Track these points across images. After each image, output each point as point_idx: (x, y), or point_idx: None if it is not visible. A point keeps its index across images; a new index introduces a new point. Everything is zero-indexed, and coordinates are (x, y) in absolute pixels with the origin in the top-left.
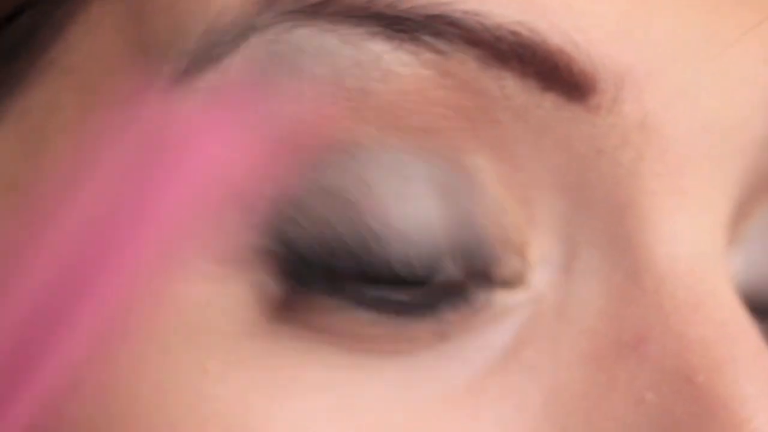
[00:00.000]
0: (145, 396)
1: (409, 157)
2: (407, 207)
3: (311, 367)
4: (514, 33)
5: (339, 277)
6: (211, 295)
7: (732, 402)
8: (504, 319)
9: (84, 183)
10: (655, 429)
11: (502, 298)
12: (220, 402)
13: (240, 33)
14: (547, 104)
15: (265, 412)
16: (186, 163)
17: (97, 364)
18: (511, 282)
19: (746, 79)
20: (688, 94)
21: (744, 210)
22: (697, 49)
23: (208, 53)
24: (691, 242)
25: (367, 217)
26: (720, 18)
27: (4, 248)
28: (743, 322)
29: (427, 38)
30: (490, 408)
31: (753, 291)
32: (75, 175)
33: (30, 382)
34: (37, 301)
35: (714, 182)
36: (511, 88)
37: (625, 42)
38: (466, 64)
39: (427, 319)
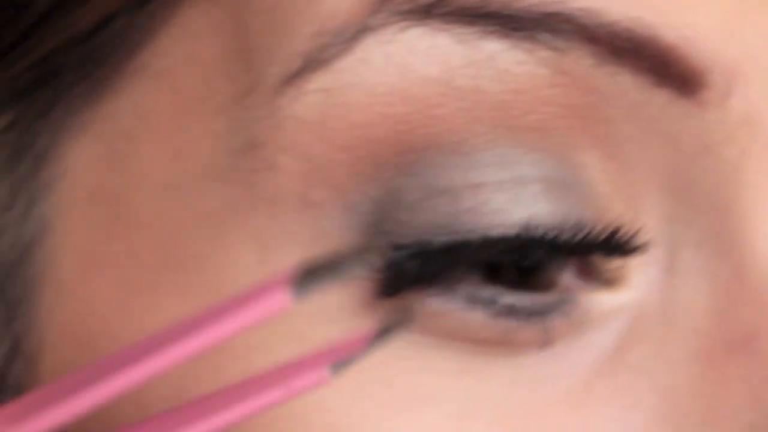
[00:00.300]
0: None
1: (519, 156)
2: (516, 208)
3: (425, 375)
4: (629, 29)
5: (448, 279)
6: (317, 302)
7: None
8: (608, 321)
9: (179, 190)
10: None
11: (606, 299)
12: (335, 414)
13: (354, 34)
14: (658, 100)
15: (381, 423)
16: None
17: (198, 377)
18: (615, 283)
19: None
20: None
21: None
22: None
23: (320, 54)
24: None
25: (476, 217)
26: None
27: (93, 258)
28: None
29: (543, 36)
30: (601, 409)
31: None
32: (169, 183)
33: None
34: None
35: None
36: (624, 84)
37: (734, 37)
38: (581, 61)
39: (536, 322)
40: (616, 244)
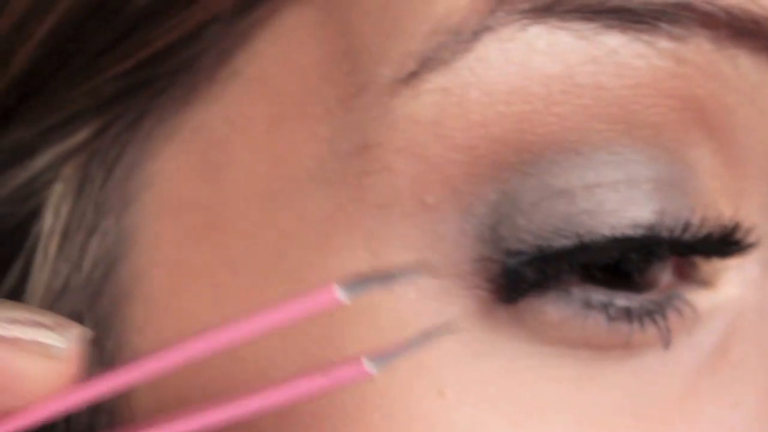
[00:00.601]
0: (377, 426)
1: (634, 155)
2: (631, 208)
3: (546, 385)
4: (746, 11)
5: (563, 281)
6: (428, 306)
7: None
8: (709, 320)
9: (281, 197)
10: None
11: (707, 297)
12: (460, 427)
13: (472, 33)
14: None
15: (497, 429)
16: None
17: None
18: (714, 282)
19: None
20: None
21: None
22: None
23: (438, 54)
24: None
25: (593, 218)
26: None
27: (185, 270)
28: None
29: (664, 26)
30: (708, 408)
31: None
32: (269, 191)
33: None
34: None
35: None
36: (744, 67)
37: None
38: (701, 48)
39: (654, 321)
40: (729, 244)
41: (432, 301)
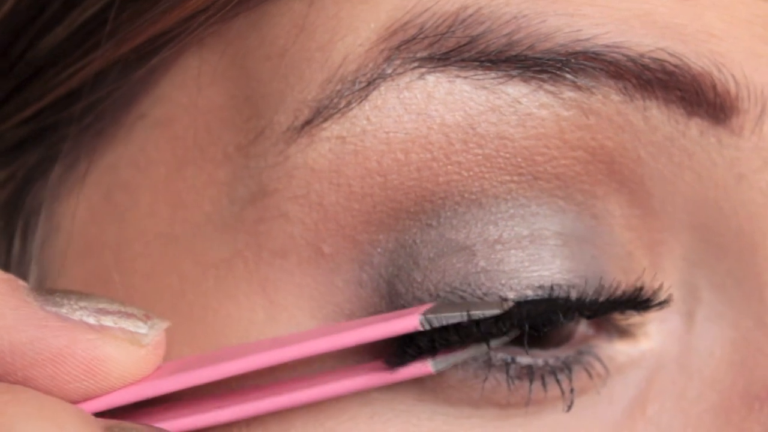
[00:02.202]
0: None
1: (539, 208)
2: (534, 267)
3: None
4: (657, 60)
5: (461, 335)
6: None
7: None
8: (628, 373)
9: (181, 240)
10: None
11: (625, 349)
12: None
13: (368, 81)
14: (692, 131)
15: None
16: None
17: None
18: (633, 333)
19: None
20: None
21: None
22: None
23: (333, 102)
24: None
25: (491, 278)
26: None
27: None
28: None
29: (569, 76)
30: None
31: None
32: (169, 233)
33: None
34: None
35: None
36: (656, 119)
37: (763, 61)
38: (609, 98)
39: (559, 380)
40: (638, 302)
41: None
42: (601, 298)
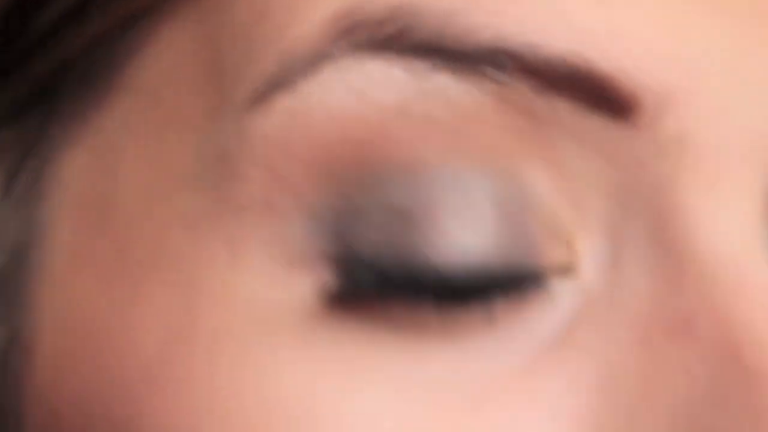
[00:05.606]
0: (221, 387)
1: (470, 175)
2: (465, 230)
3: (372, 356)
4: (566, 62)
5: (395, 279)
6: (279, 294)
7: None
8: (556, 305)
9: (160, 195)
10: (707, 404)
11: (553, 285)
12: (290, 390)
13: (314, 60)
14: (594, 124)
15: (331, 399)
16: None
17: (174, 361)
18: (562, 270)
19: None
20: (719, 110)
21: None
22: (729, 65)
23: (283, 77)
24: (732, 238)
25: (426, 229)
26: (748, 34)
27: (82, 255)
28: None
29: (488, 70)
30: (545, 386)
31: None
32: (151, 188)
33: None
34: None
35: (753, 184)
36: (562, 111)
37: (668, 63)
38: (521, 91)
39: (478, 306)
40: (565, 265)
41: (282, 286)
42: (529, 261)
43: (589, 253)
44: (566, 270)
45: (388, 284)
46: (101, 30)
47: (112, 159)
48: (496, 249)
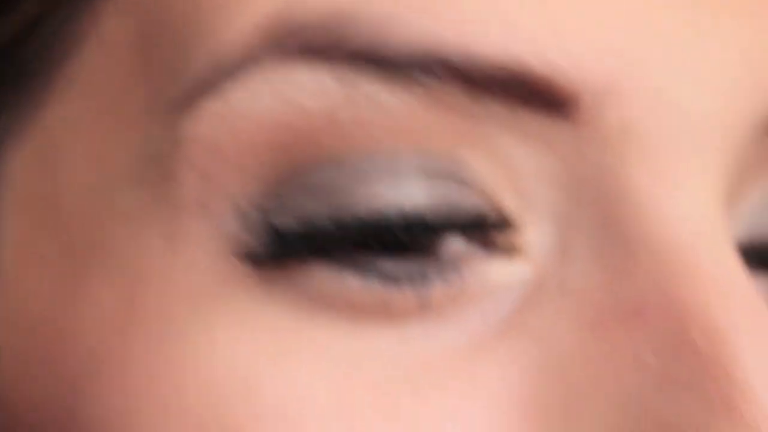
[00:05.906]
0: (159, 371)
1: (403, 155)
2: (399, 190)
3: (308, 333)
4: (501, 68)
5: (327, 244)
6: (215, 279)
7: (732, 366)
8: (503, 290)
9: (100, 192)
10: (657, 390)
11: (501, 268)
12: (226, 369)
13: (242, 65)
14: (531, 122)
15: (266, 375)
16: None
17: (114, 350)
18: (509, 252)
19: (714, 75)
20: (663, 98)
21: (741, 188)
22: (671, 56)
23: (212, 82)
24: (686, 224)
25: (359, 196)
26: (689, 23)
27: (29, 254)
28: (743, 288)
29: (417, 75)
30: (487, 369)
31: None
32: (92, 186)
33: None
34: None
35: (711, 170)
36: (497, 112)
37: (608, 57)
38: (454, 94)
39: (415, 290)
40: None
41: (218, 273)
42: (465, 223)
43: (537, 240)
44: (510, 251)
45: (315, 244)
46: (35, 11)
47: (55, 156)
48: (429, 210)
